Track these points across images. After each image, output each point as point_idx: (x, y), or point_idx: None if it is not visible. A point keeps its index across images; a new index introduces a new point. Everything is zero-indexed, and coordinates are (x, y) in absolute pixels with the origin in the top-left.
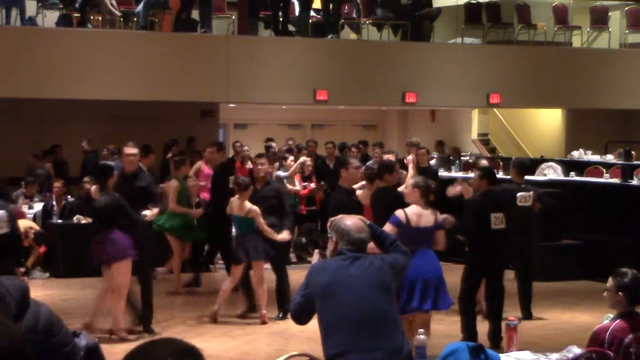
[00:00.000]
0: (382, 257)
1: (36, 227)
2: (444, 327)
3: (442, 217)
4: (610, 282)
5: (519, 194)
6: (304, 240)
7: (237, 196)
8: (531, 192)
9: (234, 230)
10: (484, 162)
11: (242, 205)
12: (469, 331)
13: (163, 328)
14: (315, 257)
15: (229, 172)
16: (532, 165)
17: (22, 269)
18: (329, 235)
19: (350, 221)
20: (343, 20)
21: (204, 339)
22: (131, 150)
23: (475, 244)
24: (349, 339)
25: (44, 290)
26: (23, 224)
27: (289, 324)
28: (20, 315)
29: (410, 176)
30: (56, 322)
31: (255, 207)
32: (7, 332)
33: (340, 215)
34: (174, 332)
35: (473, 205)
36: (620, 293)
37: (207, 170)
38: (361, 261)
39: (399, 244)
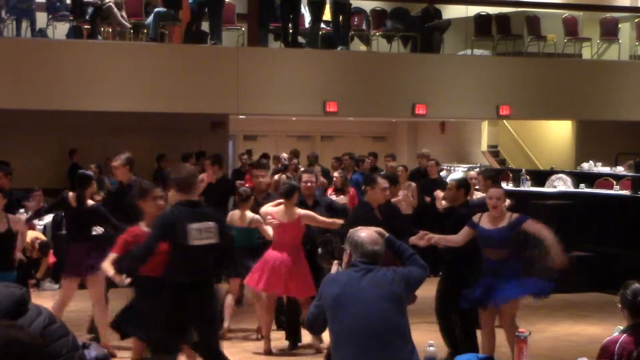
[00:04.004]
0: (395, 269)
1: (42, 237)
2: None
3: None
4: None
5: None
6: (319, 251)
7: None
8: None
9: None
10: (472, 173)
11: (243, 216)
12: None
13: None
14: (334, 269)
15: (229, 186)
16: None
17: (33, 281)
18: (344, 247)
19: (365, 233)
20: (353, 32)
21: None
22: (115, 162)
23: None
24: (356, 351)
25: (53, 302)
26: (30, 235)
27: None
28: None
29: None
30: (51, 332)
31: (257, 217)
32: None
33: (357, 227)
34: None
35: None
36: (620, 306)
37: None
38: (373, 273)
39: (416, 257)
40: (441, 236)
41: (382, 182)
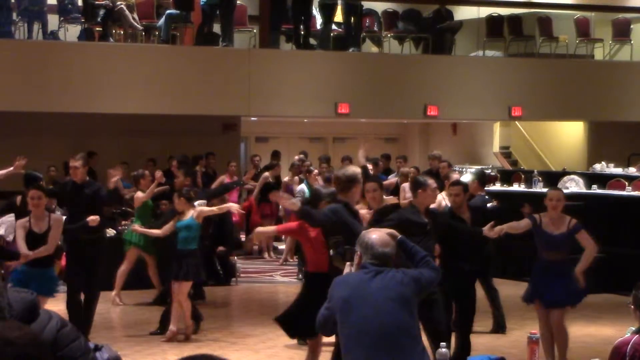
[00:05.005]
0: (405, 271)
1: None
2: None
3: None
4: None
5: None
6: (331, 252)
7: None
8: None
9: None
10: (455, 175)
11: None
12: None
13: (181, 342)
14: (346, 270)
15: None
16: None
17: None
18: (355, 248)
19: (376, 235)
20: (364, 34)
21: (225, 352)
22: (76, 162)
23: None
24: (367, 353)
25: (65, 304)
26: None
27: None
28: None
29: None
30: (64, 335)
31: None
32: (28, 337)
33: (370, 229)
34: (195, 346)
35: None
36: (632, 307)
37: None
38: (382, 275)
39: (429, 260)
40: (508, 225)
41: (433, 183)
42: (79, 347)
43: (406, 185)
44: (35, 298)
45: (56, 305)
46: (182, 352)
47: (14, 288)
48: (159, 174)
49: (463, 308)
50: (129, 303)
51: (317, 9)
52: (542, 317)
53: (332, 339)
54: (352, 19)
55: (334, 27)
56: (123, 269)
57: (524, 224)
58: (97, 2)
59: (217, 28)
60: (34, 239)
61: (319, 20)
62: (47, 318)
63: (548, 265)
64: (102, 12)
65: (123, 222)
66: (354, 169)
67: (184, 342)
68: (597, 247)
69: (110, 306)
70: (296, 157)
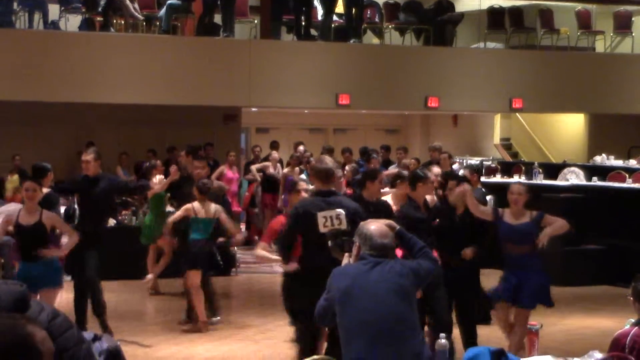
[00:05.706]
0: (403, 261)
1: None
2: None
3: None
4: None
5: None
6: (329, 243)
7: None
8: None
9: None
10: (436, 170)
11: (206, 208)
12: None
13: (182, 332)
14: (345, 261)
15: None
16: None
17: None
18: (354, 239)
19: (374, 226)
20: (366, 25)
21: (225, 342)
22: (88, 156)
23: None
24: (366, 345)
25: (66, 294)
26: None
27: None
28: None
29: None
30: (56, 326)
31: (219, 207)
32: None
33: (368, 220)
34: (195, 336)
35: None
36: (632, 298)
37: (230, 174)
38: (381, 266)
39: (427, 251)
40: (472, 198)
41: (432, 175)
42: (72, 337)
43: None
44: (26, 289)
45: (59, 296)
46: (190, 341)
47: (3, 280)
48: (174, 168)
49: (458, 303)
50: (154, 292)
51: (318, 0)
52: (506, 315)
53: None
54: (353, 10)
55: (335, 18)
56: (163, 261)
57: (485, 209)
58: None
59: (218, 19)
60: (22, 232)
61: (320, 11)
62: (38, 309)
63: (516, 260)
64: (103, 1)
65: (123, 212)
66: (330, 160)
67: (189, 333)
68: (568, 225)
69: (132, 295)
70: (300, 148)
